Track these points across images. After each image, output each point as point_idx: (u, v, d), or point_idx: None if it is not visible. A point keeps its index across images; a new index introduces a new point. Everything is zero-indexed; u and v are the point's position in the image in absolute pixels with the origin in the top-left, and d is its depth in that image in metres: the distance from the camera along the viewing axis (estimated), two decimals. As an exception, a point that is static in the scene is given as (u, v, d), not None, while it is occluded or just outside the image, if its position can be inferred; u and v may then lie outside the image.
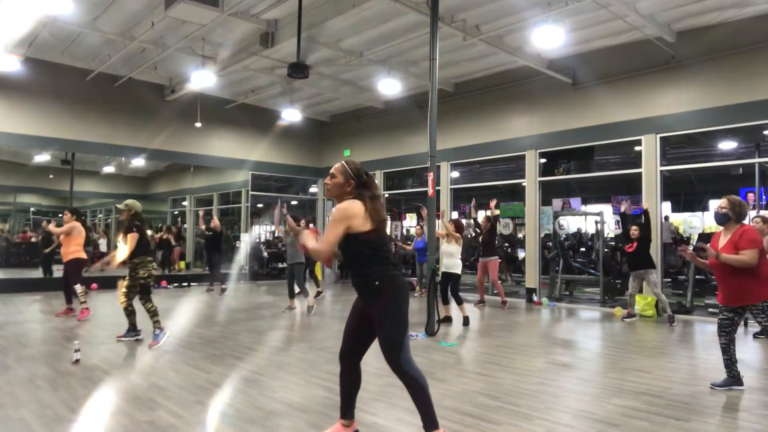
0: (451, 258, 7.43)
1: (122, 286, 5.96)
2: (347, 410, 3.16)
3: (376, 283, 2.91)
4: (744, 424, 3.63)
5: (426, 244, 7.44)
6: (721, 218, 4.37)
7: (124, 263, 5.91)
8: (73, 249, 7.61)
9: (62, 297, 7.91)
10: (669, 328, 7.39)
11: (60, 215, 8.56)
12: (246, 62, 10.08)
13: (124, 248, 5.86)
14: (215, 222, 11.22)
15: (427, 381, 2.95)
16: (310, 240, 2.98)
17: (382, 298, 2.92)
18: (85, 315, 7.45)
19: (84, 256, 7.82)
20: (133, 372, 4.82)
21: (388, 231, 15.36)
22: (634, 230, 8.06)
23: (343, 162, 3.05)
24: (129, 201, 6.14)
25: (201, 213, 12.39)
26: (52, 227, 8.15)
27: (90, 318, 7.42)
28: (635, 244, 7.98)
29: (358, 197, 2.94)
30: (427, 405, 2.92)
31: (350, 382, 3.14)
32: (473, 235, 14.55)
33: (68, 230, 7.55)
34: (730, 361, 4.38)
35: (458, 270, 7.48)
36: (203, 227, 11.64)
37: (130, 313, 6.00)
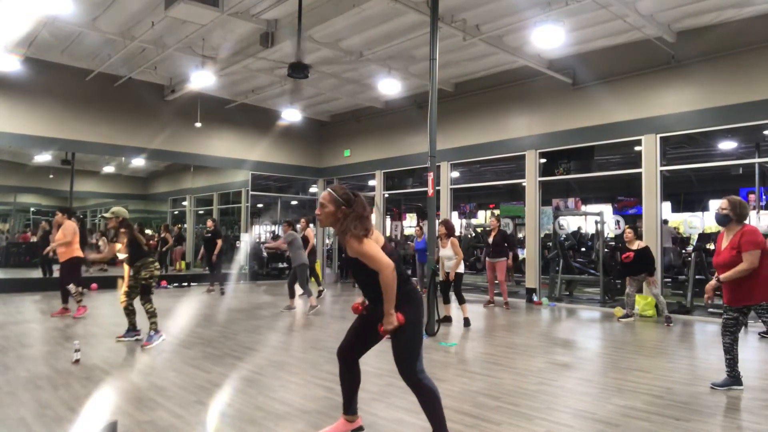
0: (450, 260, 7.47)
1: (122, 285, 6.00)
2: (348, 407, 3.21)
3: None
4: (744, 424, 3.63)
5: (426, 245, 7.46)
6: (722, 219, 4.38)
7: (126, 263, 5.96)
8: (65, 249, 7.57)
9: (57, 298, 7.92)
10: (668, 329, 7.39)
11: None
12: (246, 62, 10.08)
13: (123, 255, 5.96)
14: (210, 223, 11.28)
15: (440, 393, 2.97)
16: (390, 303, 2.86)
17: (401, 314, 2.92)
18: (81, 312, 7.44)
19: (80, 254, 7.80)
20: (133, 372, 4.82)
21: (388, 231, 15.47)
22: (629, 233, 7.97)
23: (329, 190, 3.04)
24: (114, 209, 6.05)
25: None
26: (52, 245, 7.97)
27: (86, 316, 7.40)
28: (632, 255, 7.83)
29: (345, 220, 2.92)
30: (440, 417, 2.93)
31: (349, 379, 3.18)
32: (473, 235, 14.58)
33: (65, 237, 7.53)
34: (732, 361, 4.37)
35: (460, 269, 7.51)
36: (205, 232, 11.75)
37: (129, 312, 6.02)
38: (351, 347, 3.16)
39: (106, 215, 6.08)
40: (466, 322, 7.32)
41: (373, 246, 2.87)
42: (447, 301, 7.58)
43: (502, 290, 9.55)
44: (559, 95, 10.05)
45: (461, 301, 7.50)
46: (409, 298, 2.98)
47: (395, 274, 2.84)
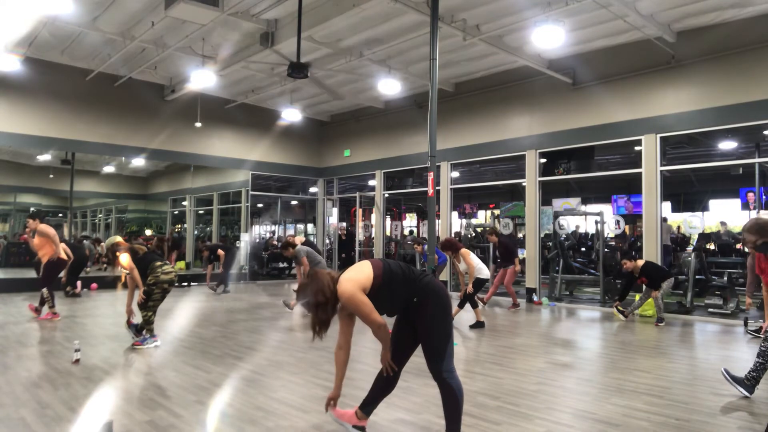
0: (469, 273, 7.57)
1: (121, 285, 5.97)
2: (367, 405, 3.20)
3: (415, 299, 2.94)
4: (744, 424, 3.63)
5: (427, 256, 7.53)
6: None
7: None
8: (47, 251, 7.41)
9: (58, 298, 7.88)
10: (668, 329, 7.38)
11: (60, 215, 8.50)
12: (246, 62, 10.08)
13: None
14: (205, 253, 11.81)
15: (463, 395, 3.00)
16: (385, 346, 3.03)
17: (425, 309, 2.94)
18: (48, 317, 7.31)
19: (62, 257, 7.56)
20: (133, 372, 4.82)
21: (388, 231, 15.48)
22: (625, 264, 7.85)
23: (309, 305, 3.00)
24: (105, 245, 6.21)
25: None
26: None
27: (56, 323, 7.12)
28: (645, 279, 7.76)
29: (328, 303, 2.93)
30: (457, 418, 2.97)
31: (385, 384, 3.16)
32: (473, 235, 14.58)
33: (45, 243, 7.38)
34: (763, 367, 4.14)
35: (480, 275, 7.40)
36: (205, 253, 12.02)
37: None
38: (394, 357, 3.12)
39: (107, 251, 6.07)
40: (480, 325, 7.26)
41: (366, 302, 2.84)
42: (461, 306, 7.59)
43: (510, 293, 9.56)
44: (559, 95, 10.04)
45: (474, 305, 7.44)
46: (429, 291, 2.95)
47: (387, 330, 2.91)
